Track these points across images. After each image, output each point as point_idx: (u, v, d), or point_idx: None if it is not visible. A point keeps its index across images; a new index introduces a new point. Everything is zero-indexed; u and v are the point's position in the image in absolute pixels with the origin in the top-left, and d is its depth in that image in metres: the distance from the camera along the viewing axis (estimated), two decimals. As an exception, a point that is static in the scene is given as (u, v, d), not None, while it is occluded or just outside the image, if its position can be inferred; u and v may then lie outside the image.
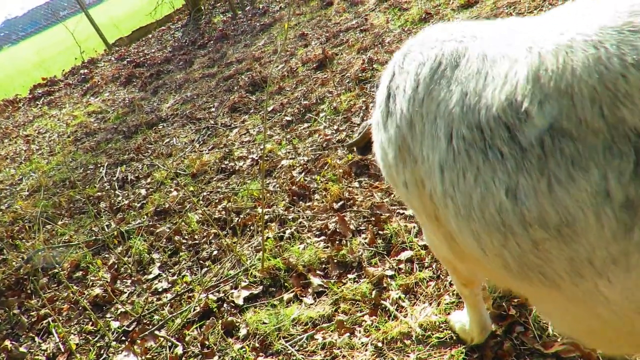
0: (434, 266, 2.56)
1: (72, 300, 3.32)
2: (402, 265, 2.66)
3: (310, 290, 2.71)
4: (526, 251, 1.04)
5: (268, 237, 3.20)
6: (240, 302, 2.78)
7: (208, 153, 4.98)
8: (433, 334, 2.19)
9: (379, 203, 3.21)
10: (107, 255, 3.79)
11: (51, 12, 28.25)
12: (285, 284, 2.81)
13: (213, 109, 6.25)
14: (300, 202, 3.58)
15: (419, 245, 2.72)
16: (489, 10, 5.17)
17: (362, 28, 6.74)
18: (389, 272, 2.63)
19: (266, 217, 3.49)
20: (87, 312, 3.05)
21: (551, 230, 0.97)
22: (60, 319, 3.17)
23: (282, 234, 3.27)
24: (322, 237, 3.12)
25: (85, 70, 10.85)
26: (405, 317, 2.32)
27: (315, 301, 2.64)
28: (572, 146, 0.91)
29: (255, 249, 3.21)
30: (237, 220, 3.58)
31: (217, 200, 3.99)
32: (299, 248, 3.04)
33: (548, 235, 0.98)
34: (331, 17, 7.87)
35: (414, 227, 2.87)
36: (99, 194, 4.90)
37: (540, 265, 1.04)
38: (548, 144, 0.94)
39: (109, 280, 3.38)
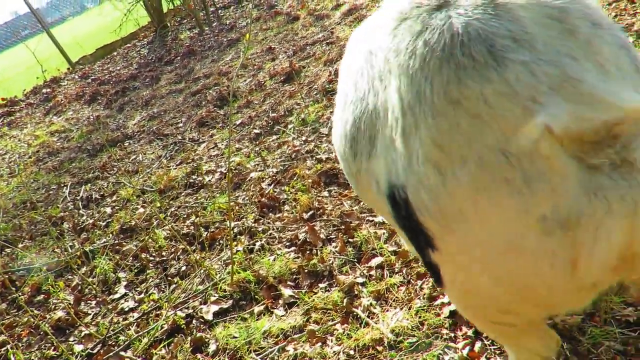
0: (404, 271, 2.56)
1: (32, 325, 3.16)
2: (372, 272, 2.65)
3: (281, 301, 2.66)
4: None
5: (237, 250, 3.15)
6: (209, 317, 2.71)
7: (176, 168, 4.90)
8: (405, 339, 2.18)
9: (348, 211, 3.21)
10: (70, 277, 3.64)
11: (11, 32, 27.53)
12: (256, 296, 2.76)
13: (181, 125, 6.17)
14: (270, 214, 3.54)
15: (389, 252, 2.72)
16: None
17: (328, 41, 6.82)
18: (360, 280, 2.62)
19: (235, 230, 3.43)
20: (49, 336, 2.91)
21: None
22: (20, 345, 3.02)
23: (252, 246, 3.22)
24: (293, 248, 3.09)
25: (48, 90, 10.57)
26: (376, 323, 2.30)
27: (287, 312, 2.59)
28: None
29: (225, 263, 3.14)
30: (206, 235, 3.51)
31: (185, 216, 3.91)
32: (269, 260, 3.00)
33: None
34: (298, 31, 7.94)
35: (384, 233, 2.87)
36: (62, 214, 4.73)
37: None
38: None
39: (72, 303, 3.24)
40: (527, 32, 0.98)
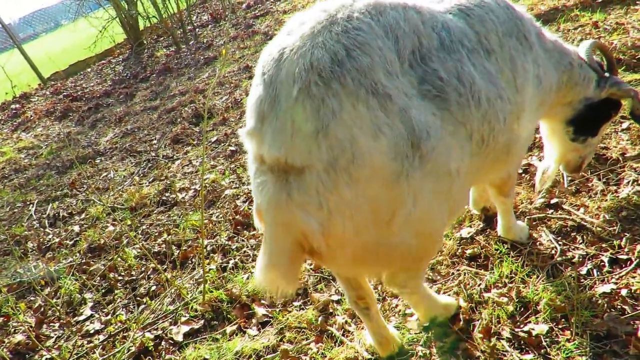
0: (379, 288, 2.53)
1: (-11, 350, 2.98)
2: (348, 289, 2.61)
3: (254, 320, 2.59)
4: None
5: (210, 269, 3.07)
6: (179, 338, 2.61)
7: (148, 185, 4.79)
8: (380, 357, 2.13)
9: (323, 228, 3.17)
10: (32, 298, 3.48)
11: (-19, 48, 26.89)
12: (228, 316, 2.68)
13: (155, 141, 6.07)
14: (245, 231, 3.48)
15: (364, 268, 2.69)
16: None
17: (305, 60, 6.88)
18: (335, 297, 2.58)
19: (209, 248, 3.35)
20: (7, 361, 2.75)
21: None
22: (-25, 372, 2.84)
23: (225, 264, 3.15)
24: (267, 266, 3.02)
25: (17, 105, 10.29)
26: (351, 341, 2.25)
27: (260, 332, 2.52)
28: None
29: (197, 282, 3.05)
30: (178, 253, 3.41)
31: (157, 234, 3.81)
32: (242, 278, 2.93)
33: None
34: (275, 51, 7.99)
35: (359, 250, 2.85)
36: (27, 232, 4.55)
37: None
38: None
39: (33, 325, 3.08)
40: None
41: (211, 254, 3.27)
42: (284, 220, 1.36)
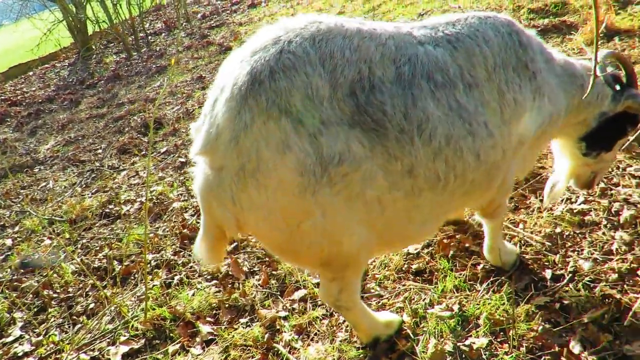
0: (326, 304, 2.52)
1: None
2: (295, 305, 2.58)
3: (198, 339, 2.51)
4: None
5: (154, 285, 2.95)
6: (117, 359, 2.48)
7: (91, 197, 4.57)
8: (326, 374, 2.12)
9: (273, 242, 3.14)
10: (-45, 318, 3.20)
11: None
12: (171, 334, 2.58)
13: (100, 151, 5.83)
14: (192, 246, 3.37)
15: (312, 284, 2.67)
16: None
17: (259, 73, 6.86)
18: (283, 313, 2.54)
19: (153, 263, 3.23)
20: None
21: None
22: None
23: (170, 280, 3.04)
24: (214, 281, 2.95)
25: (-52, 109, 9.59)
26: (297, 358, 2.22)
27: (204, 351, 2.44)
28: None
29: (139, 299, 2.93)
30: (120, 269, 3.26)
31: (97, 248, 3.63)
32: (188, 294, 2.84)
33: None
34: (229, 62, 7.93)
35: (308, 265, 2.84)
36: (-48, 246, 4.20)
37: None
38: None
39: (-46, 348, 2.83)
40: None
41: (155, 270, 3.15)
42: (207, 207, 1.65)
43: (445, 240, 2.65)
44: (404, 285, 2.49)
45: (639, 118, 2.16)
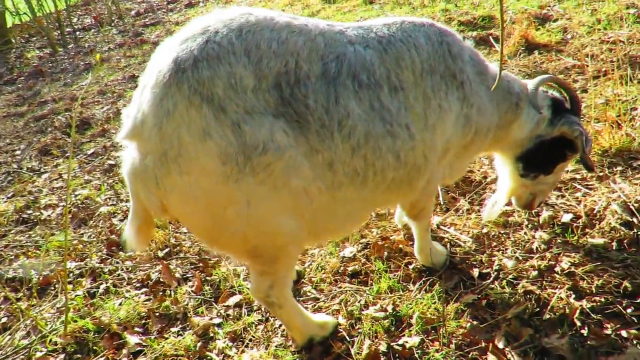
0: (263, 308, 2.48)
1: None
2: (230, 311, 2.51)
3: (125, 351, 2.36)
4: None
5: (76, 295, 2.75)
6: (32, 377, 2.28)
7: (6, 202, 4.20)
8: (261, 381, 2.07)
9: (207, 248, 3.04)
10: None
11: None
12: (95, 347, 2.41)
13: (18, 152, 5.39)
14: (120, 252, 3.20)
15: (247, 289, 2.61)
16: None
17: (196, 74, 6.67)
18: (217, 320, 2.46)
19: (77, 271, 3.02)
20: None
21: None
22: None
23: (95, 289, 2.85)
24: (144, 289, 2.81)
25: None
26: (231, 366, 2.16)
27: (131, 363, 2.30)
28: None
29: (59, 310, 2.71)
30: (38, 279, 3.01)
31: (13, 256, 3.33)
32: (114, 304, 2.67)
33: None
34: (165, 62, 7.65)
35: (243, 269, 2.77)
36: None
37: None
38: None
39: None
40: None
41: (78, 279, 2.94)
42: (133, 190, 1.70)
43: (380, 242, 2.69)
44: (339, 287, 2.49)
45: (575, 145, 2.17)
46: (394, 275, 2.48)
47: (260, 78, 1.58)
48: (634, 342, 1.88)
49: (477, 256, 2.50)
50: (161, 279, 2.84)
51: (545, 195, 2.52)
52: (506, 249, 2.52)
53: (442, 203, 3.00)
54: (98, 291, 2.82)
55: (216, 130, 1.50)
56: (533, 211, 2.66)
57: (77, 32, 10.67)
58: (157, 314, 2.57)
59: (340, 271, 2.60)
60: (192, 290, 2.71)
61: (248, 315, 2.46)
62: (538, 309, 2.11)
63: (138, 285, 2.86)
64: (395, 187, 1.91)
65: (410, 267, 2.51)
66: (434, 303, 2.24)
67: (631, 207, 2.45)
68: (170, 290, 2.74)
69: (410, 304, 2.28)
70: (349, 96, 1.70)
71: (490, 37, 5.05)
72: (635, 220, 2.38)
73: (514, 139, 2.30)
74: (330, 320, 2.21)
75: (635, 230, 2.35)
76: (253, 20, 1.64)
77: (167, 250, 3.10)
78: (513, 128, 2.25)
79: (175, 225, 3.37)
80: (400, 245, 2.66)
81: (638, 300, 2.03)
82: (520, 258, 2.43)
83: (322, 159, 1.69)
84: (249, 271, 2.07)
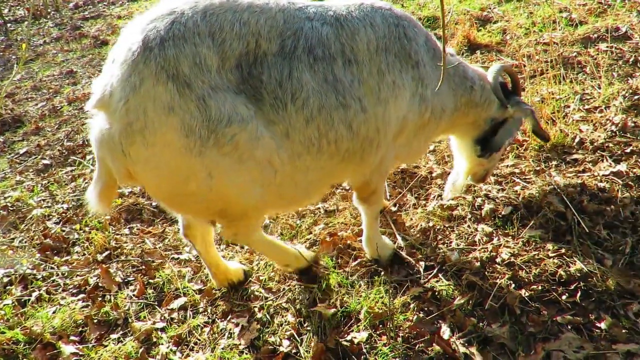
0: (209, 310, 2.40)
1: None
2: (174, 315, 2.42)
3: (59, 361, 2.22)
4: None
5: (4, 305, 2.56)
6: (-48, 395, 2.09)
7: None
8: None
9: (150, 249, 2.92)
10: None
11: None
12: (25, 359, 2.24)
13: (-61, 152, 4.95)
14: (55, 257, 3.01)
15: (193, 290, 2.53)
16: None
17: (140, 70, 6.41)
18: (160, 324, 2.36)
19: (5, 279, 2.80)
20: None
21: None
22: None
23: (27, 297, 2.66)
24: (81, 295, 2.65)
25: None
26: (175, 371, 2.07)
27: (66, 374, 2.16)
28: None
29: (-15, 322, 2.51)
30: (-39, 288, 2.77)
31: None
32: (48, 312, 2.50)
33: None
34: (106, 57, 7.29)
35: (189, 271, 2.68)
36: None
37: None
38: None
39: None
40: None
41: (7, 287, 2.73)
42: (100, 156, 1.80)
43: (328, 239, 2.68)
44: (288, 285, 2.46)
45: (524, 122, 2.40)
46: (343, 271, 2.48)
47: (224, 59, 1.70)
48: (569, 327, 1.97)
49: (423, 250, 2.55)
50: (100, 284, 2.69)
51: (494, 169, 2.82)
52: (450, 242, 2.57)
53: (388, 198, 3.03)
54: (30, 299, 2.63)
55: (180, 105, 1.61)
56: (475, 205, 2.75)
57: (9, 24, 9.97)
58: (95, 321, 2.43)
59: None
60: (133, 295, 2.59)
61: (193, 317, 2.37)
62: (481, 299, 2.17)
63: (75, 291, 2.69)
64: (349, 157, 2.00)
65: (360, 263, 2.52)
66: (382, 297, 2.26)
67: (565, 199, 2.58)
68: (110, 295, 2.60)
69: (359, 299, 2.28)
70: (303, 69, 1.80)
71: (435, 36, 5.18)
72: (568, 211, 2.51)
73: (470, 121, 2.48)
74: (307, 253, 2.43)
75: (568, 221, 2.47)
76: (217, 2, 1.74)
77: (107, 253, 2.94)
78: (468, 109, 2.42)
79: (115, 227, 3.21)
80: (349, 241, 2.66)
81: (572, 287, 2.13)
82: (464, 250, 2.49)
83: (279, 130, 1.80)
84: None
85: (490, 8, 5.38)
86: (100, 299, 2.59)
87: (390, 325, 2.09)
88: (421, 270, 2.42)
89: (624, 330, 1.91)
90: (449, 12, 5.46)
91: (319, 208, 3.01)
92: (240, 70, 1.73)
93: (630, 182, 2.63)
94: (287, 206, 2.37)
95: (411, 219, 2.80)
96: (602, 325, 1.94)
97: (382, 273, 2.42)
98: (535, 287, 2.17)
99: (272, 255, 2.39)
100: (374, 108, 1.95)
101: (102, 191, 1.87)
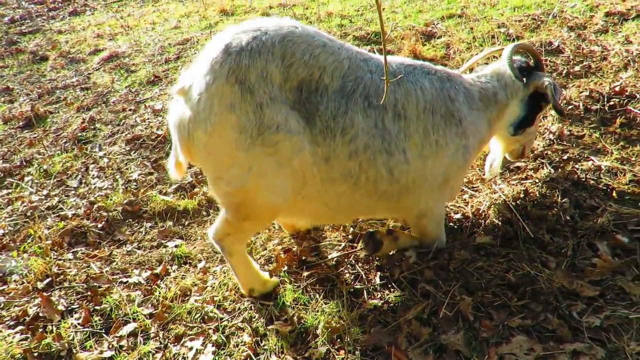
0: (160, 335, 2.30)
1: None
2: (124, 342, 2.30)
3: (-6, 402, 2.04)
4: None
5: None
6: None
7: None
8: None
9: (96, 274, 2.77)
10: None
11: None
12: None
13: None
14: (-10, 287, 2.79)
15: (143, 315, 2.42)
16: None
17: (83, 86, 6.16)
18: (108, 353, 2.23)
19: None
20: None
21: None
22: None
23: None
24: (19, 327, 2.47)
25: None
26: (125, 403, 1.96)
27: (2, 415, 1.99)
28: None
29: None
30: None
31: None
32: (-20, 347, 2.30)
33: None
34: (45, 73, 6.95)
35: (139, 294, 2.56)
36: None
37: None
38: None
39: None
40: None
41: None
42: (174, 133, 2.08)
43: (282, 255, 2.65)
44: (243, 304, 2.40)
45: (547, 95, 2.42)
46: (298, 287, 2.45)
47: (286, 79, 1.97)
48: (519, 330, 2.04)
49: (379, 261, 2.56)
50: (41, 314, 2.52)
51: (533, 142, 2.91)
52: (405, 251, 2.61)
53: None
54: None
55: (240, 106, 1.90)
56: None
57: (-64, 39, 9.32)
58: (35, 354, 2.27)
59: (244, 287, 2.50)
60: (78, 323, 2.44)
61: (144, 344, 2.26)
62: (435, 308, 2.21)
63: (12, 323, 2.50)
64: (385, 197, 2.24)
65: (315, 277, 2.50)
66: (339, 311, 2.25)
67: (510, 205, 2.68)
68: (52, 326, 2.43)
69: (316, 314, 2.26)
70: (357, 111, 2.07)
71: (381, 51, 5.32)
72: (514, 217, 2.61)
73: (504, 117, 2.55)
74: (272, 280, 2.47)
75: (514, 227, 2.57)
76: (297, 33, 2.02)
77: (48, 280, 2.76)
78: (501, 112, 2.51)
79: (58, 252, 3.03)
80: (304, 256, 2.64)
81: (520, 291, 2.21)
82: (420, 260, 2.52)
83: (321, 152, 2.06)
84: (220, 212, 2.27)
85: (434, 24, 5.60)
86: (41, 329, 2.42)
87: (348, 339, 2.08)
88: (377, 281, 2.43)
89: (569, 330, 1.99)
90: (394, 28, 5.63)
91: (273, 223, 2.97)
92: (299, 92, 2.00)
93: (568, 187, 2.78)
94: (305, 217, 2.58)
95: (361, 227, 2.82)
96: (550, 326, 2.02)
97: (339, 286, 2.41)
98: (486, 292, 2.23)
99: (243, 273, 2.37)
100: (416, 161, 2.19)
101: (176, 163, 2.16)
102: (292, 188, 2.07)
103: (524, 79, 2.47)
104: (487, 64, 2.77)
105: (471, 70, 2.73)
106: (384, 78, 1.74)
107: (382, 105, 2.11)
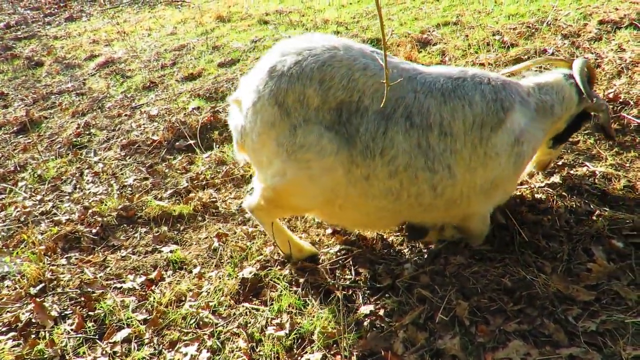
0: (155, 341, 2.28)
1: None
2: (117, 348, 2.27)
3: (-15, 409, 2.01)
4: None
5: None
6: None
7: None
8: None
9: (90, 279, 2.75)
10: None
11: None
12: (-56, 410, 2.02)
13: None
14: (-18, 293, 2.75)
15: (138, 321, 2.40)
16: (209, 83, 5.46)
17: (78, 92, 6.15)
18: (101, 360, 2.21)
19: None
20: None
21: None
22: None
23: (-53, 340, 2.41)
24: (11, 334, 2.44)
25: None
26: (118, 410, 1.93)
27: (-7, 423, 1.96)
28: None
29: None
30: None
31: None
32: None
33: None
34: (41, 79, 6.94)
35: (133, 300, 2.54)
36: None
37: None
38: None
39: None
40: None
41: None
42: (233, 132, 2.42)
43: (279, 260, 2.64)
44: (239, 310, 2.38)
45: (598, 117, 2.49)
46: (294, 291, 2.44)
47: (324, 101, 2.10)
48: (515, 334, 2.03)
49: (376, 266, 2.56)
50: (33, 320, 2.49)
51: (556, 157, 2.97)
52: (403, 256, 2.61)
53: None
54: (-50, 342, 2.38)
55: (279, 125, 2.11)
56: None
57: None
58: (28, 361, 2.24)
59: (240, 292, 2.49)
60: (71, 329, 2.41)
61: (138, 350, 2.24)
62: (432, 313, 2.20)
63: (4, 329, 2.48)
64: (430, 209, 2.28)
65: (312, 283, 2.49)
66: (335, 316, 2.24)
67: (506, 210, 2.69)
68: (45, 332, 2.41)
69: (312, 319, 2.24)
70: (398, 131, 2.11)
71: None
72: (510, 222, 2.62)
73: (556, 129, 2.54)
74: (308, 248, 2.67)
75: (510, 232, 2.58)
76: (338, 57, 2.12)
77: (41, 286, 2.74)
78: (554, 125, 2.49)
79: (51, 258, 3.00)
80: (299, 262, 2.63)
81: (516, 296, 2.21)
82: (416, 265, 2.52)
83: (360, 172, 2.16)
84: (256, 188, 2.52)
85: (429, 31, 5.63)
86: (33, 335, 2.40)
87: (344, 345, 2.07)
88: (374, 286, 2.42)
89: (566, 335, 1.99)
90: (391, 35, 5.66)
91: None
92: (339, 114, 2.11)
93: (563, 193, 2.79)
94: (348, 225, 2.70)
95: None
96: (546, 331, 2.02)
97: (334, 291, 2.40)
98: (482, 297, 2.23)
99: (278, 240, 2.61)
100: (463, 175, 2.19)
101: (238, 149, 2.43)
102: (323, 198, 2.24)
103: (594, 98, 2.42)
104: (539, 70, 2.78)
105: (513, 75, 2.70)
106: (384, 81, 1.73)
107: (428, 123, 2.12)
